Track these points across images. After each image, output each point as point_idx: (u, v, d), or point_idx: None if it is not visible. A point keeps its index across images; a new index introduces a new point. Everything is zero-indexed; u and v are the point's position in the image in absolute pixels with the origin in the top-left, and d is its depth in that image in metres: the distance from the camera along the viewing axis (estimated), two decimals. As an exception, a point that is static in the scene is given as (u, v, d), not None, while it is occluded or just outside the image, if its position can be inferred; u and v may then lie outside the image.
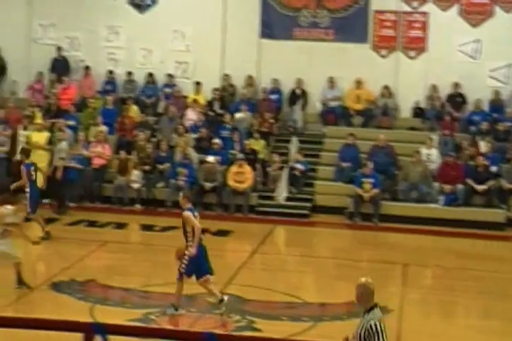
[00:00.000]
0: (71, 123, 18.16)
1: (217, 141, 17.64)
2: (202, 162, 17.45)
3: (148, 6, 19.90)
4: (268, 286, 12.04)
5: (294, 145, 18.01)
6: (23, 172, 14.20)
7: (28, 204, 13.95)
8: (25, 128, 17.49)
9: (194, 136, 18.13)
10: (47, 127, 17.55)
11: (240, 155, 17.30)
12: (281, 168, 17.40)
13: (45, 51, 19.77)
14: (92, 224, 15.75)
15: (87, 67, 19.68)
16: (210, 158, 17.27)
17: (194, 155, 17.58)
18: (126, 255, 13.98)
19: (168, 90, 19.50)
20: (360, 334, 6.33)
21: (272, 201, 17.16)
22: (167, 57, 19.68)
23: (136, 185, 17.15)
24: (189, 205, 10.71)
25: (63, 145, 16.73)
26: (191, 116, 18.71)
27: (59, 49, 19.80)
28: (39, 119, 17.86)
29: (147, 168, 17.36)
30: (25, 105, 18.92)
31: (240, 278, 12.55)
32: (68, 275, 12.17)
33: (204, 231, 10.85)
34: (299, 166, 17.33)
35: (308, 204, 17.12)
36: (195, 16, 19.38)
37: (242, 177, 17.00)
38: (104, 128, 18.02)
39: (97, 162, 17.48)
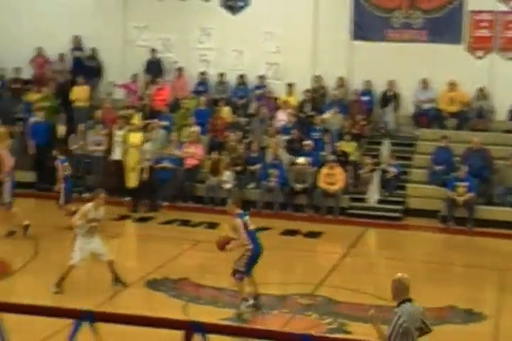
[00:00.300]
0: (165, 123, 18.47)
1: (308, 142, 17.62)
2: (293, 163, 17.46)
3: (241, 7, 20.03)
4: (359, 289, 11.96)
5: (385, 147, 17.85)
6: (58, 167, 14.72)
7: (61, 196, 14.81)
8: (120, 129, 17.86)
9: (285, 137, 18.15)
10: (142, 127, 17.90)
11: (331, 157, 17.23)
12: (372, 171, 17.26)
13: (140, 53, 20.12)
14: (184, 223, 15.98)
15: (179, 69, 19.93)
16: (301, 160, 17.25)
17: (285, 157, 17.62)
18: (218, 254, 13.99)
19: (259, 91, 19.59)
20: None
21: (364, 203, 17.04)
22: (258, 59, 19.75)
23: (227, 186, 17.30)
24: (238, 210, 10.87)
25: (148, 146, 17.03)
26: (282, 117, 18.75)
27: (153, 51, 20.12)
28: (136, 120, 18.23)
29: (238, 168, 17.50)
30: (120, 106, 19.37)
31: (331, 280, 12.53)
32: (162, 273, 12.40)
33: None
34: (392, 169, 17.13)
35: (400, 207, 16.92)
36: (286, 17, 19.40)
37: (333, 179, 16.93)
38: (196, 128, 18.23)
39: (190, 162, 17.72)
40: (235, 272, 10.78)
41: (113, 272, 11.61)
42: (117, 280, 11.65)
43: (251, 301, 10.85)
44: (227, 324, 5.04)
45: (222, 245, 10.81)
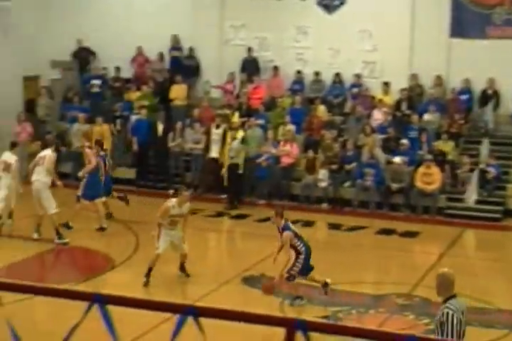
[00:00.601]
0: (260, 122, 18.62)
1: (404, 141, 17.43)
2: (389, 162, 17.33)
3: (336, 6, 19.95)
4: (457, 290, 11.73)
5: (484, 147, 17.46)
6: (99, 163, 14.96)
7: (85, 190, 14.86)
8: (217, 127, 18.10)
9: (381, 136, 18.02)
10: (239, 126, 18.07)
11: (428, 156, 17.01)
12: (471, 170, 16.95)
13: (236, 52, 20.28)
14: (280, 221, 16.05)
15: (275, 67, 20.01)
16: (397, 159, 17.09)
17: (381, 156, 17.49)
18: (314, 253, 13.98)
19: (355, 90, 19.48)
20: (436, 322, 6.43)
21: (461, 203, 16.74)
22: (354, 57, 19.61)
23: (323, 184, 17.31)
24: (283, 222, 11.15)
25: (235, 144, 17.18)
26: (378, 116, 18.61)
27: (249, 49, 20.26)
28: (236, 118, 18.45)
29: (334, 167, 17.48)
30: (217, 104, 19.61)
31: (428, 281, 12.31)
32: (258, 270, 12.52)
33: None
34: (491, 169, 16.76)
35: (500, 208, 16.56)
36: (383, 16, 19.20)
37: (430, 178, 16.71)
38: (292, 127, 18.30)
39: (285, 160, 17.82)
40: (290, 277, 10.97)
41: (182, 263, 12.11)
42: (183, 270, 12.13)
43: (304, 301, 11.13)
44: (331, 322, 5.10)
45: (270, 290, 11.03)
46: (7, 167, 14.33)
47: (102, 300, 5.44)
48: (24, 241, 13.89)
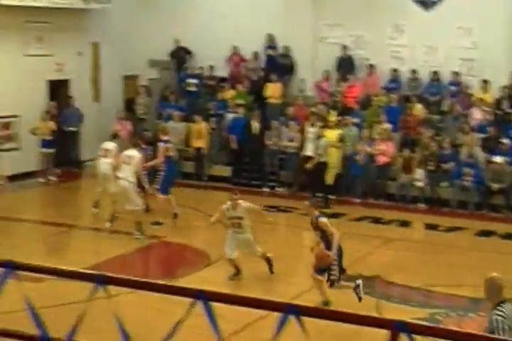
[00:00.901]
0: (356, 120, 18.49)
1: (505, 140, 16.99)
2: (489, 162, 16.92)
3: (434, 3, 19.61)
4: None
5: None
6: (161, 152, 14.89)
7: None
8: (312, 125, 18.06)
9: (480, 135, 17.61)
10: (337, 125, 17.97)
11: (531, 156, 16.56)
12: None
13: (331, 50, 20.18)
14: (376, 220, 15.91)
15: (371, 66, 19.83)
16: (498, 159, 16.68)
17: (480, 155, 17.10)
18: (410, 253, 13.95)
19: (453, 88, 19.10)
20: (486, 329, 6.20)
21: None
22: (452, 55, 19.23)
23: (419, 184, 17.05)
24: (317, 212, 10.82)
25: (323, 142, 17.07)
26: (477, 114, 18.19)
27: (344, 48, 20.14)
28: (333, 117, 18.37)
29: (431, 166, 17.18)
30: (312, 102, 19.57)
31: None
32: (354, 269, 12.39)
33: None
34: None
35: None
36: (482, 12, 18.74)
37: (533, 179, 16.25)
38: (388, 125, 18.09)
39: (381, 159, 17.63)
40: (332, 284, 10.69)
41: (268, 263, 12.02)
42: (271, 269, 12.08)
43: (359, 281, 10.84)
44: (430, 325, 5.01)
45: (321, 259, 10.71)
46: (106, 153, 14.86)
47: (206, 297, 5.50)
48: (124, 235, 14.19)
